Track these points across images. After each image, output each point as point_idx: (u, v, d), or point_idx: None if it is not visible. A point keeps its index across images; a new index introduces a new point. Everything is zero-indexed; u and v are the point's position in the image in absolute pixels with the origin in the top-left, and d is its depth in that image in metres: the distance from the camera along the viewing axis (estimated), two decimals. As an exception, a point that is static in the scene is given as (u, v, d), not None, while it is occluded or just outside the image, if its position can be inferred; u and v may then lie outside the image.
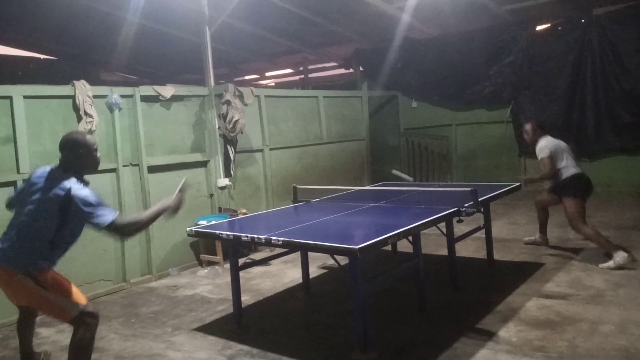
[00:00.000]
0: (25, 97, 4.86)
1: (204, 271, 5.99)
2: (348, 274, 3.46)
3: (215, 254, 6.09)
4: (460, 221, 4.43)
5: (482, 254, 5.55)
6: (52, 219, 3.01)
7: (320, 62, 12.37)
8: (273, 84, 14.40)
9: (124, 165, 5.61)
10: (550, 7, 8.51)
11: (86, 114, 5.22)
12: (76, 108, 5.20)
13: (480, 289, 4.67)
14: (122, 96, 5.63)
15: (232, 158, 6.58)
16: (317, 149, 8.32)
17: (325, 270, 5.65)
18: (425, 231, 3.96)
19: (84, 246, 4.94)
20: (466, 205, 4.18)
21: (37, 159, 4.86)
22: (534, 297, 4.34)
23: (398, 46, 9.66)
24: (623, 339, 3.46)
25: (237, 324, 4.23)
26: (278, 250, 4.88)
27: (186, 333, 4.19)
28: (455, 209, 4.16)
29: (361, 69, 10.53)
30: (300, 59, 12.06)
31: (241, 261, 4.71)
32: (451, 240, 4.63)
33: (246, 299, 4.77)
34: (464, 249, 5.81)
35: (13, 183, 4.69)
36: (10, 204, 3.37)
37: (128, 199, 5.62)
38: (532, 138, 5.56)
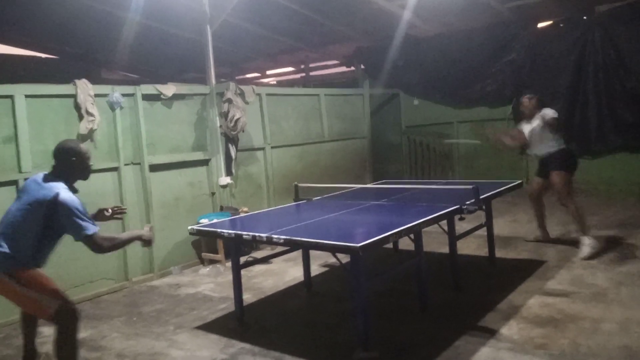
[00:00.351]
0: (26, 96, 4.87)
1: (205, 270, 5.99)
2: (349, 272, 3.46)
3: (216, 253, 6.09)
4: (461, 219, 4.42)
5: (483, 252, 5.54)
6: (38, 221, 3.10)
7: (322, 61, 12.34)
8: (274, 82, 14.38)
9: (125, 164, 5.62)
10: (552, 5, 8.48)
11: (88, 112, 5.22)
12: (78, 107, 5.21)
13: (482, 287, 4.66)
14: (124, 95, 5.63)
15: (233, 156, 6.58)
16: (319, 147, 8.31)
17: (326, 269, 5.65)
18: (426, 229, 3.95)
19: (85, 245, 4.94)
20: (468, 203, 4.18)
21: (39, 158, 4.87)
22: (536, 294, 4.34)
23: (399, 44, 9.63)
24: (625, 338, 3.46)
25: (239, 322, 4.24)
26: (279, 249, 4.88)
27: (188, 331, 4.19)
28: (457, 206, 4.16)
29: (362, 67, 10.50)
30: (302, 57, 12.04)
31: (243, 259, 4.72)
32: (453, 238, 4.62)
33: (248, 298, 4.77)
34: (466, 247, 5.81)
35: (15, 182, 4.71)
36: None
37: (130, 197, 5.63)
38: (532, 111, 5.65)
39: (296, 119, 7.95)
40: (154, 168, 5.89)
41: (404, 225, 3.61)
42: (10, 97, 4.76)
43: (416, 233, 4.02)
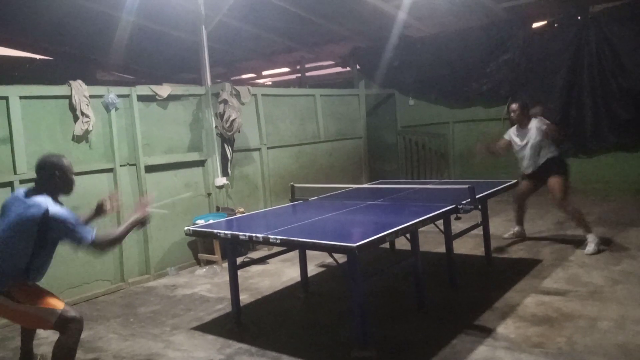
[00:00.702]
0: (21, 97, 4.85)
1: (202, 270, 5.98)
2: (346, 272, 3.46)
3: (213, 253, 6.09)
4: (458, 218, 4.43)
5: (480, 251, 5.56)
6: (29, 240, 3.06)
7: (318, 61, 12.34)
8: (270, 83, 14.38)
9: (121, 165, 5.61)
10: (547, 5, 8.51)
11: (83, 114, 5.21)
12: (73, 108, 5.19)
13: (479, 286, 4.67)
14: (119, 96, 5.62)
15: (229, 157, 6.57)
16: (315, 148, 8.32)
17: (323, 269, 5.65)
18: (423, 229, 3.96)
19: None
20: (464, 202, 4.19)
21: (34, 160, 4.76)
22: (532, 293, 4.35)
23: (395, 44, 9.65)
24: (621, 335, 3.47)
25: (236, 322, 4.23)
26: (276, 249, 4.89)
27: (185, 332, 4.19)
28: (453, 206, 4.17)
29: (358, 67, 10.52)
30: (297, 58, 12.04)
31: (239, 260, 4.71)
32: (449, 237, 4.63)
33: (245, 298, 4.77)
34: (462, 247, 5.82)
35: (10, 184, 4.70)
36: None
37: (126, 199, 5.60)
38: (520, 118, 5.68)
39: (292, 119, 7.95)
40: (150, 169, 5.88)
41: (400, 225, 3.61)
42: (5, 98, 4.75)
43: (412, 233, 4.03)
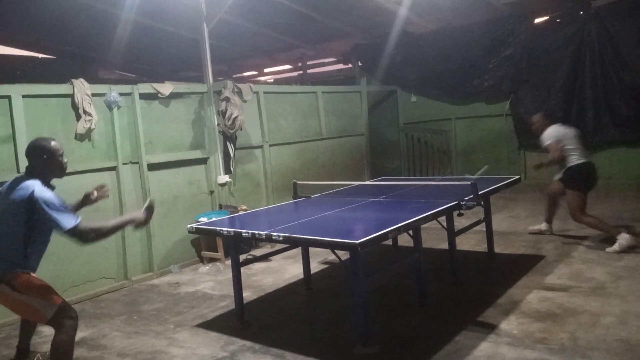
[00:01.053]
0: (24, 96, 4.86)
1: (205, 268, 6.00)
2: (349, 268, 3.47)
3: (216, 251, 6.10)
4: (460, 215, 4.43)
5: (482, 248, 5.56)
6: (21, 223, 3.08)
7: (319, 58, 12.33)
8: (272, 80, 14.37)
9: (123, 164, 5.62)
10: (549, 0, 8.49)
11: (85, 112, 5.21)
12: (75, 107, 5.20)
13: (481, 282, 4.68)
14: (121, 94, 5.62)
15: (231, 155, 6.58)
16: (317, 145, 8.32)
17: (326, 266, 5.66)
18: (425, 225, 3.96)
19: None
20: (466, 198, 4.18)
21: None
22: (535, 289, 4.35)
23: (396, 41, 9.63)
24: (624, 331, 3.47)
25: (239, 320, 4.24)
26: (279, 246, 4.89)
27: (188, 330, 4.20)
28: (456, 202, 4.16)
29: (360, 64, 10.51)
30: (299, 55, 12.03)
31: (242, 257, 4.72)
32: (452, 234, 4.63)
33: (248, 295, 4.78)
34: (465, 243, 5.82)
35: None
36: None
37: (128, 197, 5.62)
38: (539, 128, 5.61)
39: (294, 116, 7.95)
40: (152, 167, 5.89)
41: (403, 221, 3.61)
42: (8, 97, 4.75)
43: (415, 229, 4.03)
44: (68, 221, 3.02)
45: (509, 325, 3.72)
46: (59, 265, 4.91)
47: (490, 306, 4.08)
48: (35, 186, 3.07)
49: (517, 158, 9.05)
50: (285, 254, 5.26)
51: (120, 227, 3.28)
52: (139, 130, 5.76)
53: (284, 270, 5.65)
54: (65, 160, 3.33)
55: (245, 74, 13.98)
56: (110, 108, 5.54)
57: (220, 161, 6.59)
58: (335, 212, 4.40)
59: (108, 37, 9.57)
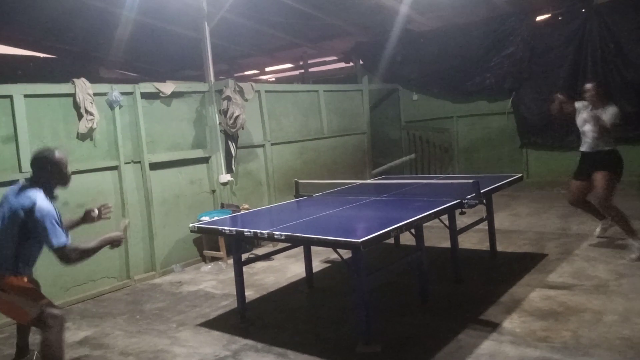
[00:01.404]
0: (25, 96, 4.87)
1: (207, 267, 6.00)
2: (351, 267, 3.47)
3: (218, 250, 6.10)
4: (462, 213, 4.43)
5: (484, 246, 5.55)
6: (17, 229, 3.13)
7: (320, 56, 12.32)
8: (273, 79, 14.36)
9: (125, 163, 5.62)
10: (550, -3, 8.48)
11: (87, 111, 5.22)
12: (77, 106, 5.21)
13: (484, 281, 4.67)
14: (123, 93, 5.63)
15: (233, 154, 6.58)
16: (318, 144, 8.31)
17: (328, 265, 5.66)
18: (427, 224, 3.96)
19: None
20: (468, 197, 4.18)
21: (39, 158, 4.86)
22: (538, 287, 4.35)
23: (398, 39, 9.61)
24: (626, 329, 3.46)
25: (241, 319, 4.25)
26: (281, 245, 4.89)
27: (191, 329, 4.20)
28: (458, 201, 4.16)
29: (361, 62, 10.49)
30: (300, 54, 12.02)
31: (244, 256, 4.72)
32: (454, 232, 4.63)
33: (250, 294, 4.78)
34: (467, 241, 5.82)
35: (15, 182, 4.69)
36: None
37: (130, 196, 5.63)
38: (594, 100, 5.17)
39: (295, 115, 7.94)
40: (154, 166, 5.89)
41: (405, 220, 3.61)
42: (9, 97, 4.76)
43: (417, 228, 4.03)
44: (58, 239, 3.08)
45: (512, 323, 3.71)
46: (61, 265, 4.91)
47: (493, 304, 4.07)
48: (37, 197, 3.13)
49: (519, 156, 9.03)
50: (287, 253, 5.27)
51: (100, 247, 3.35)
52: (140, 130, 5.76)
53: (286, 269, 5.65)
54: (69, 171, 3.40)
55: (247, 72, 13.98)
56: (111, 107, 5.54)
57: (222, 160, 6.59)
58: (337, 210, 4.40)
59: (109, 36, 9.58)
